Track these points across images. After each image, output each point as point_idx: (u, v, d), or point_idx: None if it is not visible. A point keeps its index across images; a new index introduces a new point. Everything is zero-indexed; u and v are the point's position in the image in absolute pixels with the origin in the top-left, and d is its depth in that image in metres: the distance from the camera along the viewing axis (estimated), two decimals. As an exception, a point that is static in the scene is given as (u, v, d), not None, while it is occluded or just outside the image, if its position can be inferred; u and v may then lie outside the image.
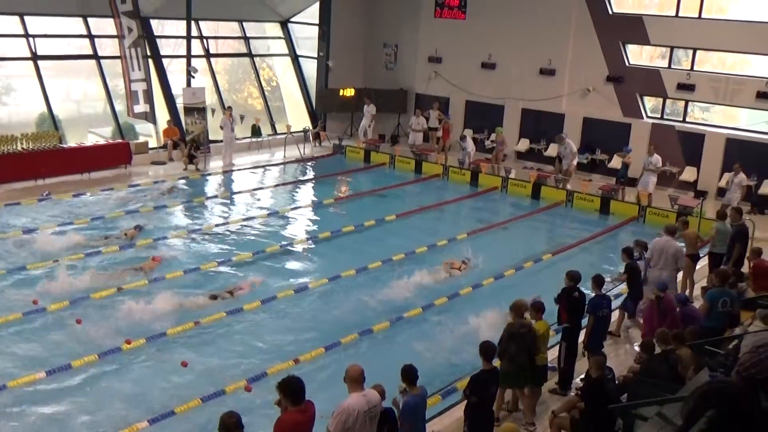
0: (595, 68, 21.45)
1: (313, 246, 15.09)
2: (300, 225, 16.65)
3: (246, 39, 24.63)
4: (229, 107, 21.39)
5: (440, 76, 24.25)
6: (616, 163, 20.61)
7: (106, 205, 16.45)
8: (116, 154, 19.44)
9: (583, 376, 8.81)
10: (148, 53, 20.88)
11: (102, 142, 20.05)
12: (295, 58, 25.68)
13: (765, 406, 2.83)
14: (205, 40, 23.21)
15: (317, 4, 24.30)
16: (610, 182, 19.79)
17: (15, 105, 20.73)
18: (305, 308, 11.88)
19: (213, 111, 21.49)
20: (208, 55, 23.32)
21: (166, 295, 11.46)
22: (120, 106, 20.88)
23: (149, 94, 20.56)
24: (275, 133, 24.01)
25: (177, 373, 9.57)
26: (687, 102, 20.61)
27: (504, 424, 7.70)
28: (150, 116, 20.78)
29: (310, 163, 22.07)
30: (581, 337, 9.86)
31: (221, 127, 20.64)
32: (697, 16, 19.81)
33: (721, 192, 18.67)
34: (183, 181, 18.98)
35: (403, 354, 9.03)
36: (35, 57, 19.30)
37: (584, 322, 9.91)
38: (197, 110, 20.90)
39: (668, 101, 20.89)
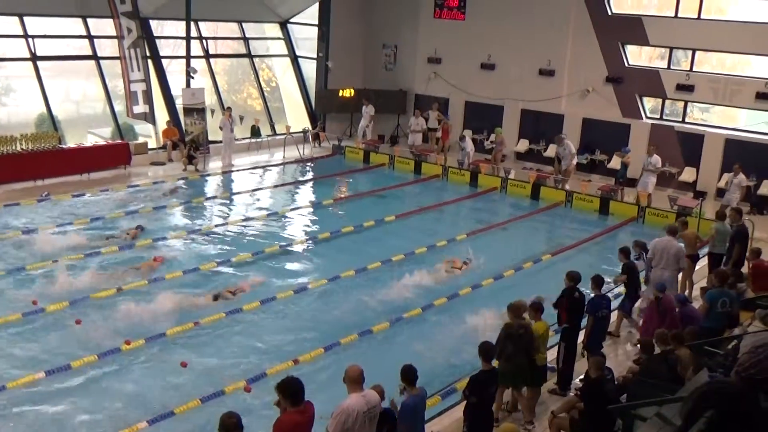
0: (594, 69, 21.44)
1: (312, 246, 15.09)
2: (299, 225, 16.65)
3: (245, 40, 24.60)
4: (229, 108, 21.39)
5: (439, 76, 24.24)
6: (615, 163, 20.61)
7: (106, 206, 16.44)
8: (116, 155, 19.42)
9: (582, 376, 8.81)
10: (148, 54, 20.87)
11: (101, 142, 20.02)
12: (295, 59, 25.67)
13: (764, 406, 2.82)
14: (204, 41, 23.20)
15: (316, 4, 24.28)
16: (609, 183, 19.78)
17: (14, 106, 20.72)
18: (305, 308, 11.88)
19: (212, 111, 21.48)
20: (207, 56, 23.31)
21: (165, 295, 11.46)
22: (119, 107, 20.86)
23: (149, 95, 20.56)
24: (274, 133, 23.98)
25: (176, 373, 9.57)
26: (686, 102, 20.61)
27: (503, 425, 7.71)
28: (149, 117, 20.78)
29: (309, 164, 22.06)
30: (581, 338, 9.86)
31: (221, 128, 20.63)
32: (696, 16, 19.80)
33: (721, 192, 18.67)
34: (182, 181, 18.99)
35: (403, 354, 9.02)
36: (35, 57, 19.28)
37: (584, 322, 9.91)
38: (197, 111, 20.87)
39: (667, 102, 20.88)
